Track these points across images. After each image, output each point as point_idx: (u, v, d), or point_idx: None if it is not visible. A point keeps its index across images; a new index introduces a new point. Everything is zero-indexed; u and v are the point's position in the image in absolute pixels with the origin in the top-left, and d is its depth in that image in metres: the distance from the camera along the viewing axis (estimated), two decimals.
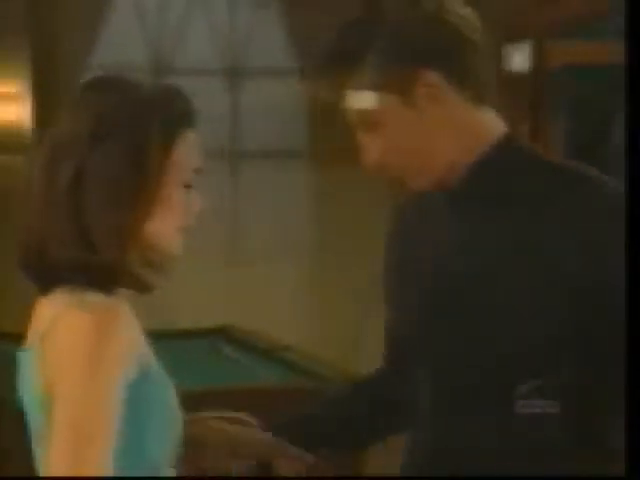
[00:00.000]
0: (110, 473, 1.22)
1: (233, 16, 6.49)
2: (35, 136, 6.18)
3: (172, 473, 1.41)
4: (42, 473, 1.27)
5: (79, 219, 1.31)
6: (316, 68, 1.42)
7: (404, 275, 1.54)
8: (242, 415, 1.60)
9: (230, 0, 6.56)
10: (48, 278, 1.31)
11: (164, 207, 1.38)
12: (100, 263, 1.32)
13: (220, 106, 6.56)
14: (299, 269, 6.45)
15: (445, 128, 1.37)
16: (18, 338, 1.43)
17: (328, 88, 1.38)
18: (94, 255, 1.32)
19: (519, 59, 5.41)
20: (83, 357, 1.24)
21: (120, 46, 6.43)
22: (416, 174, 1.40)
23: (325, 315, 5.97)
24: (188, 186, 1.40)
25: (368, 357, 1.91)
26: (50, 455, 1.22)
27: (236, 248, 6.60)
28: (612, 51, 4.69)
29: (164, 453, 1.35)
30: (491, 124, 1.41)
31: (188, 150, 1.39)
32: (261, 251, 6.44)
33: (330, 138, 6.18)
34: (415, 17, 1.36)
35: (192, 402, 3.23)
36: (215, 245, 6.40)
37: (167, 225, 1.39)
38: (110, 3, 6.44)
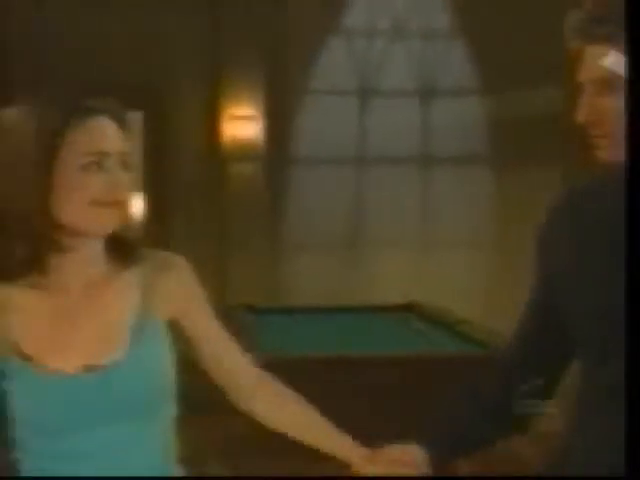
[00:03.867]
0: None
1: (426, 42, 6.90)
2: (266, 150, 6.81)
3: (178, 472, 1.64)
4: None
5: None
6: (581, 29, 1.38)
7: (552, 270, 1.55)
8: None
9: (423, 28, 7.00)
10: None
11: (66, 188, 1.48)
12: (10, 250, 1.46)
13: (413, 120, 7.01)
14: (480, 256, 6.83)
15: None
16: None
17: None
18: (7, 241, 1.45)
19: None
20: None
21: (329, 69, 6.89)
22: (612, 144, 1.38)
23: (499, 293, 6.31)
24: (87, 168, 1.50)
25: None
26: None
27: (426, 236, 7.02)
28: None
29: None
30: None
31: (84, 136, 1.50)
32: (447, 240, 6.87)
33: (510, 145, 6.61)
34: None
35: (384, 365, 3.79)
36: (410, 234, 6.91)
37: (74, 203, 1.49)
38: (329, 30, 6.83)
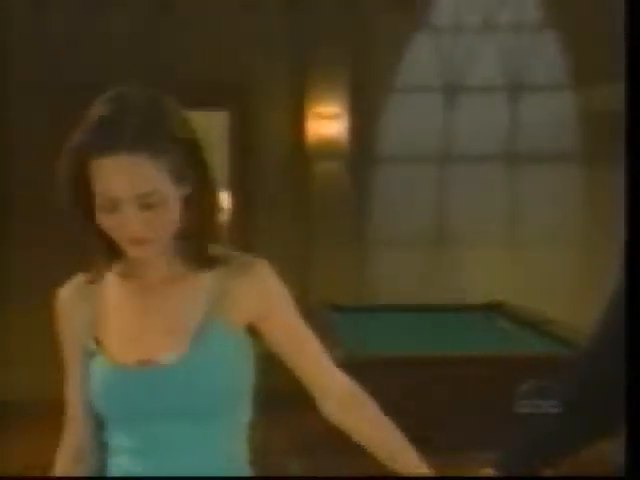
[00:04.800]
0: None
1: (515, 36, 6.75)
2: (350, 148, 6.75)
3: None
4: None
5: None
6: None
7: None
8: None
9: (512, 21, 6.88)
10: None
11: (104, 227, 1.50)
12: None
13: (502, 117, 6.92)
14: (568, 255, 6.70)
15: None
16: None
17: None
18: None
19: None
20: None
21: (414, 65, 6.80)
22: None
23: (586, 292, 6.18)
24: (100, 209, 1.46)
25: None
26: None
27: (513, 235, 6.92)
28: None
29: None
30: None
31: (96, 179, 1.44)
32: (534, 238, 6.77)
33: (600, 142, 6.48)
34: None
35: (467, 365, 3.78)
36: (496, 233, 6.84)
37: (116, 239, 1.52)
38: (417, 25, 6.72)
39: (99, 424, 1.64)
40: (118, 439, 1.60)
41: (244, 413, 1.66)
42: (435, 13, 6.84)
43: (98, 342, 1.61)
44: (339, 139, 6.72)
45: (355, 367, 3.65)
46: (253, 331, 1.66)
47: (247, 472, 1.67)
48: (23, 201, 6.44)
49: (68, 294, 1.65)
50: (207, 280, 1.60)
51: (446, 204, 6.95)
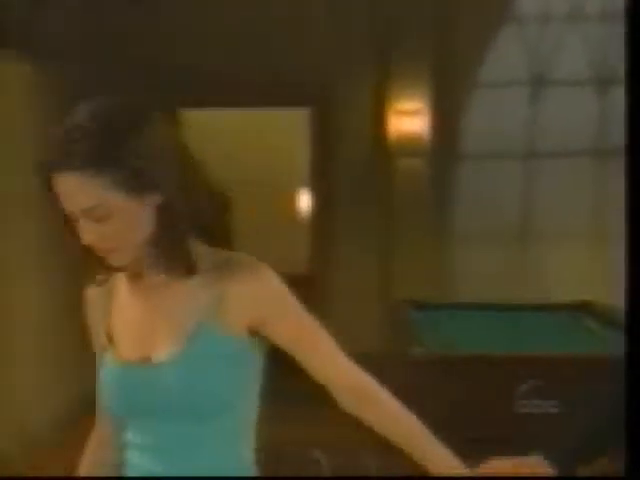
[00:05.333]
0: None
1: (604, 26, 6.60)
2: (432, 144, 6.71)
3: None
4: None
5: None
6: None
7: None
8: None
9: (600, 11, 6.69)
10: None
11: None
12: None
13: (590, 111, 6.75)
14: None
15: None
16: None
17: None
18: None
19: None
20: None
21: (498, 58, 6.73)
22: None
23: None
24: (76, 222, 1.53)
25: None
26: None
27: (600, 232, 6.76)
28: None
29: None
30: None
31: (60, 192, 1.50)
32: (622, 235, 6.59)
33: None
34: None
35: (554, 365, 3.67)
36: (582, 229, 6.69)
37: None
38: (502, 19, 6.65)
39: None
40: (127, 434, 1.67)
41: (247, 413, 1.67)
42: (521, 2, 6.72)
43: (109, 339, 1.68)
44: (421, 135, 6.65)
45: (435, 365, 3.59)
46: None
47: (251, 473, 1.68)
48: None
49: (90, 293, 1.74)
50: (206, 282, 1.61)
51: (530, 200, 6.83)
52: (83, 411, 6.01)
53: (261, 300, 1.61)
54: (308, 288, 7.90)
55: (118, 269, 1.63)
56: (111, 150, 1.49)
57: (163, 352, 1.59)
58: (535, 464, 1.58)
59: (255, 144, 8.94)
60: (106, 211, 1.51)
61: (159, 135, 1.55)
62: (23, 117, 5.80)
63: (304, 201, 8.79)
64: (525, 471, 1.56)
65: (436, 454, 1.63)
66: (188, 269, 1.60)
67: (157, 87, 6.71)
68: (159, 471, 1.61)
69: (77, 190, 1.48)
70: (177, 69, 6.65)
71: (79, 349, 6.48)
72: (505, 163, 6.85)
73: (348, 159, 6.87)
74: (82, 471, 1.82)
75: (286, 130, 8.58)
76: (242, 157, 9.06)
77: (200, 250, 1.63)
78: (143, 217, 1.54)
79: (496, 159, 6.87)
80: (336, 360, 1.66)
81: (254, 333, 1.62)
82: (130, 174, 1.49)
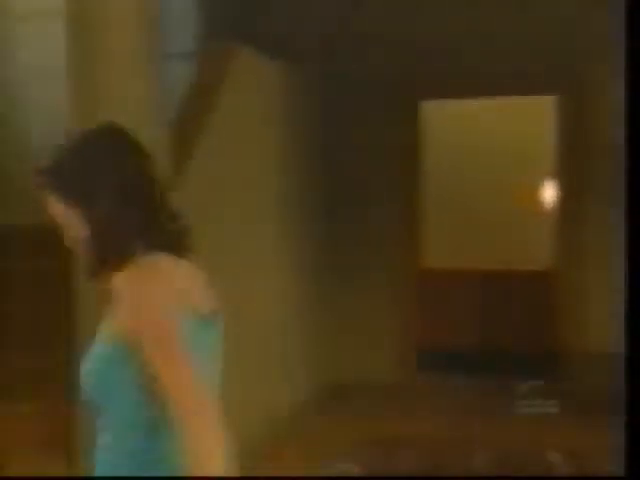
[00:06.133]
0: None
1: None
2: None
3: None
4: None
5: None
6: None
7: None
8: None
9: None
10: None
11: None
12: None
13: None
14: None
15: None
16: None
17: None
18: None
19: None
20: None
21: None
22: None
23: None
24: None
25: None
26: None
27: None
28: None
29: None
30: None
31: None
32: None
33: None
34: None
35: None
36: None
37: None
38: None
39: None
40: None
41: (129, 412, 1.77)
42: None
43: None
44: None
45: None
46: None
47: (147, 469, 1.78)
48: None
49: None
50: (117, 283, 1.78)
51: None
52: (327, 400, 5.98)
53: (131, 310, 1.72)
54: (547, 285, 7.58)
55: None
56: (76, 177, 1.84)
57: None
58: None
59: (500, 132, 8.73)
60: (66, 221, 1.88)
61: (122, 160, 1.85)
62: (276, 116, 5.92)
63: (548, 192, 8.47)
64: None
65: None
66: (101, 271, 1.85)
67: (397, 81, 6.70)
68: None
69: (50, 207, 1.88)
70: (418, 61, 6.59)
71: (319, 341, 6.56)
72: None
73: (596, 146, 6.50)
74: None
75: (531, 118, 8.31)
76: (486, 146, 8.85)
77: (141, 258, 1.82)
78: (75, 222, 1.86)
79: None
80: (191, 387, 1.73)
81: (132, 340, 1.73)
82: (87, 193, 1.83)
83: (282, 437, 5.39)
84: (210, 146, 4.83)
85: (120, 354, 1.74)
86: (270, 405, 5.51)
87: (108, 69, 3.81)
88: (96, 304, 2.03)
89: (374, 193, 6.90)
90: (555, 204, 7.09)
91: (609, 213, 6.31)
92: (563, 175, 6.76)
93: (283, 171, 6.01)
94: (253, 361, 5.27)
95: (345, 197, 6.94)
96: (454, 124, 8.58)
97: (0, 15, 5.90)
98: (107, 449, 1.82)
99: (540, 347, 7.33)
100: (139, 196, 1.83)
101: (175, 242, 1.88)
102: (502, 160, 8.75)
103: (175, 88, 4.83)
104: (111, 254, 1.82)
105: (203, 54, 5.57)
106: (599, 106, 6.48)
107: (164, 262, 1.82)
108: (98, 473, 1.84)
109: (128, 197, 1.82)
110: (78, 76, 3.87)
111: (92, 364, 1.79)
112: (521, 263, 8.32)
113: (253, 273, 5.37)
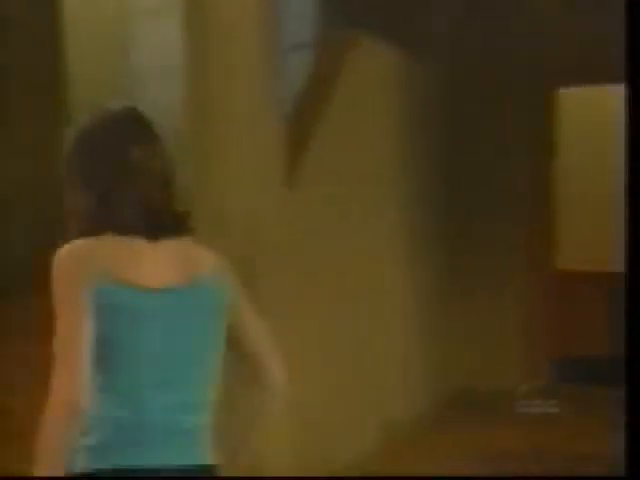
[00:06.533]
0: None
1: None
2: None
3: None
4: None
5: None
6: None
7: None
8: None
9: None
10: None
11: None
12: None
13: None
14: None
15: None
16: None
17: None
18: None
19: None
20: None
21: None
22: None
23: None
24: None
25: None
26: None
27: None
28: None
29: None
30: None
31: None
32: None
33: None
34: None
35: None
36: None
37: None
38: None
39: None
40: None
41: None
42: None
43: None
44: None
45: None
46: None
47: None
48: None
49: None
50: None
51: None
52: (446, 408, 5.82)
53: None
54: None
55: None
56: (84, 162, 1.95)
57: None
58: None
59: None
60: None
61: (123, 146, 1.93)
62: (397, 107, 5.79)
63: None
64: None
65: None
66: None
67: (526, 69, 6.40)
68: None
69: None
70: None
71: (445, 344, 6.40)
72: None
73: None
74: None
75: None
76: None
77: None
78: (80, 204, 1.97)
79: None
80: None
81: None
82: (91, 177, 1.93)
83: (401, 444, 5.21)
84: (328, 138, 4.73)
85: None
86: (389, 412, 5.39)
87: (225, 68, 3.76)
88: None
89: (503, 189, 6.58)
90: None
91: None
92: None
93: (403, 165, 5.83)
94: (373, 365, 5.16)
95: (471, 194, 6.63)
96: (593, 112, 8.18)
97: (116, 14, 5.95)
98: None
99: None
100: (137, 179, 1.91)
101: (174, 224, 1.96)
102: None
103: (293, 80, 4.76)
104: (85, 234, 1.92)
105: (322, 44, 5.45)
106: None
107: (101, 240, 1.91)
108: None
109: (126, 179, 1.91)
110: (194, 75, 3.79)
111: None
112: None
113: (371, 270, 5.25)
